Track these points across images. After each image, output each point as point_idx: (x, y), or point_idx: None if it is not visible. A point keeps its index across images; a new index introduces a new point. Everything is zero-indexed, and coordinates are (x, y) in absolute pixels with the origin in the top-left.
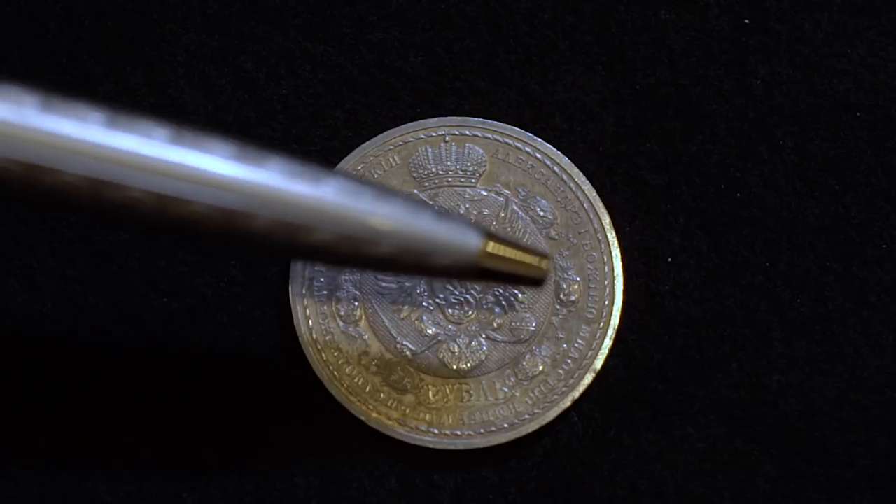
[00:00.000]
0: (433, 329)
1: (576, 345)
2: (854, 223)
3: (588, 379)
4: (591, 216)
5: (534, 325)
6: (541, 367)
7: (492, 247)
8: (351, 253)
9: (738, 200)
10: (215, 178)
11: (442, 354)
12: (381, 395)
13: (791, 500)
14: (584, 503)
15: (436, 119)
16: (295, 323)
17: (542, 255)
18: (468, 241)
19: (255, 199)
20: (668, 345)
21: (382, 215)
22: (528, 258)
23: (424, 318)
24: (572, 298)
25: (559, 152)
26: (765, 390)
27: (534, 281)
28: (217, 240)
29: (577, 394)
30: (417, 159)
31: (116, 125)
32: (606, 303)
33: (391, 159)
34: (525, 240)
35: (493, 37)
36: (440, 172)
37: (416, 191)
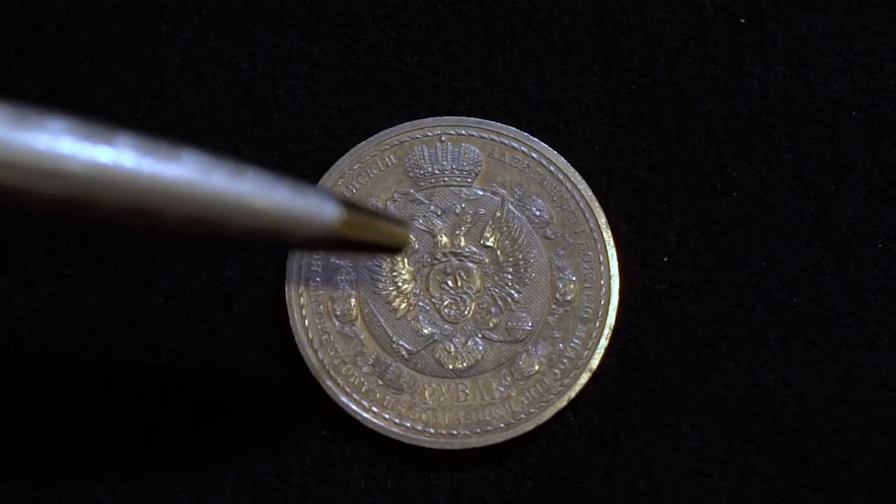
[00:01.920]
0: (429, 328)
1: (572, 344)
2: (850, 222)
3: (584, 378)
4: (588, 216)
5: (530, 324)
6: (537, 367)
7: (349, 217)
8: (199, 234)
9: (734, 200)
10: (52, 158)
11: (438, 354)
12: (378, 395)
13: (787, 500)
14: (580, 503)
15: (432, 119)
16: (291, 323)
17: (401, 223)
18: (325, 212)
19: (102, 182)
20: (665, 344)
21: (234, 193)
22: (387, 226)
23: (420, 317)
24: (568, 298)
25: (555, 152)
26: (761, 390)
27: (393, 249)
28: (63, 225)
29: (573, 393)
30: (413, 159)
31: None
32: (602, 302)
33: (387, 159)
34: (521, 240)
35: (488, 36)
36: (436, 172)
37: (412, 190)
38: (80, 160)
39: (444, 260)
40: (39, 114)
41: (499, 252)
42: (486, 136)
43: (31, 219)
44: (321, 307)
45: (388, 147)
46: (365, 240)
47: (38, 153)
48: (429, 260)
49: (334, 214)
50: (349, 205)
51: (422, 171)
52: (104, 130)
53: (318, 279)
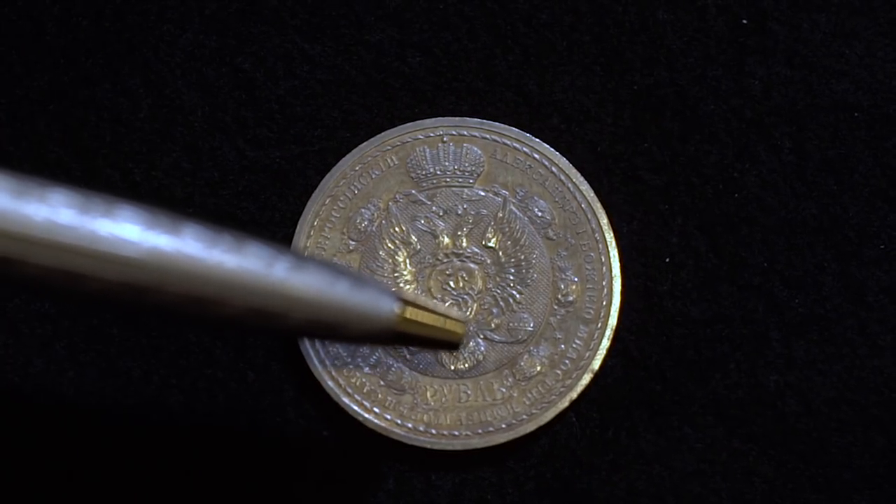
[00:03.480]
0: None
1: (574, 345)
2: (852, 223)
3: (586, 379)
4: (589, 216)
5: (532, 325)
6: (539, 368)
7: (408, 313)
8: (259, 325)
9: (736, 201)
10: (118, 246)
11: (440, 355)
12: (379, 396)
13: (789, 501)
14: (581, 503)
15: (434, 119)
16: None
17: (458, 320)
18: (383, 309)
19: (165, 271)
20: (666, 345)
21: (297, 286)
22: (444, 321)
23: None
24: (570, 299)
25: (557, 152)
26: (763, 390)
27: (450, 345)
28: (128, 310)
29: (574, 394)
30: (415, 160)
31: None
32: (604, 303)
33: (389, 160)
34: (523, 240)
35: (490, 37)
36: (438, 173)
37: (413, 191)
38: (144, 248)
39: (445, 261)
40: (107, 202)
41: (501, 253)
42: (487, 136)
43: (90, 303)
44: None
45: (389, 148)
46: (421, 335)
47: (103, 240)
48: (430, 261)
49: (393, 310)
50: (407, 302)
51: (424, 172)
52: (169, 220)
53: None
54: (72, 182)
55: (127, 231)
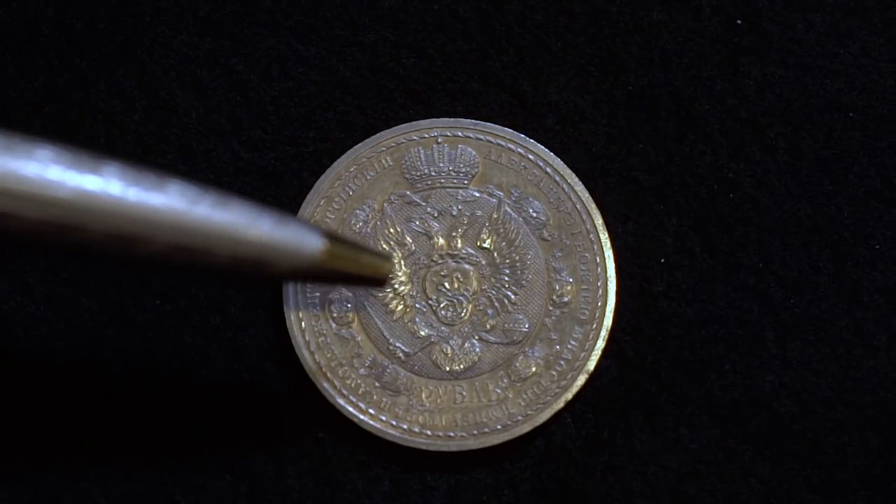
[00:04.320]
0: (426, 331)
1: (569, 346)
2: (847, 223)
3: (581, 380)
4: (584, 217)
5: (527, 326)
6: (534, 369)
7: (333, 249)
8: (184, 263)
9: (730, 201)
10: (44, 186)
11: (435, 356)
12: (374, 397)
13: (784, 501)
14: None
15: (428, 120)
16: (288, 325)
17: (384, 256)
18: (309, 243)
19: (88, 209)
20: (662, 346)
21: (219, 223)
22: (370, 258)
23: (417, 319)
24: (565, 300)
25: (552, 153)
26: (758, 391)
27: (377, 281)
28: (50, 250)
29: (570, 395)
30: (410, 161)
31: None
32: (599, 304)
33: (384, 161)
34: (517, 241)
35: (485, 38)
36: (433, 174)
37: (408, 192)
38: (69, 188)
39: (440, 262)
40: (29, 142)
41: (495, 254)
42: (482, 137)
43: (17, 242)
44: (318, 309)
45: (384, 149)
46: (348, 271)
47: (28, 180)
48: (425, 262)
49: (318, 245)
50: (333, 236)
51: (418, 173)
52: (92, 159)
53: None
54: None
55: (49, 171)
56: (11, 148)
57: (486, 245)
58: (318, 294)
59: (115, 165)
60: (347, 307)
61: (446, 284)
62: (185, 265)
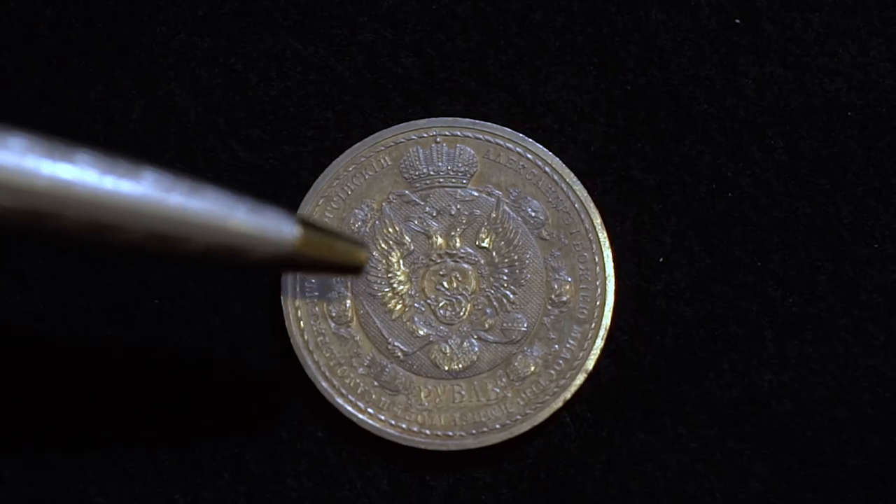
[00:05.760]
0: (425, 330)
1: (567, 345)
2: (845, 223)
3: (580, 379)
4: (583, 216)
5: (525, 325)
6: (532, 368)
7: (307, 236)
8: (159, 251)
9: (729, 200)
10: (19, 174)
11: (433, 355)
12: (373, 396)
13: (783, 500)
14: (575, 503)
15: (427, 120)
16: (286, 324)
17: (360, 243)
18: (283, 231)
19: (62, 198)
20: (660, 345)
21: (193, 211)
22: (346, 246)
23: (416, 318)
24: (564, 299)
25: (550, 153)
26: (756, 390)
27: (352, 269)
28: (25, 237)
29: (568, 394)
30: (408, 160)
31: None
32: (598, 303)
33: (382, 160)
34: (516, 241)
35: (483, 37)
36: (431, 173)
37: (407, 192)
38: (42, 176)
39: (439, 261)
40: (3, 131)
41: (494, 253)
42: (481, 136)
43: None
44: (317, 308)
45: (383, 148)
46: (323, 259)
47: (3, 168)
48: (424, 261)
49: (293, 233)
50: (307, 224)
51: (417, 173)
52: (65, 148)
53: (313, 280)
54: None
55: (24, 160)
56: None
57: (484, 244)
58: (317, 294)
59: (89, 153)
60: (346, 307)
61: (445, 284)
62: (159, 253)
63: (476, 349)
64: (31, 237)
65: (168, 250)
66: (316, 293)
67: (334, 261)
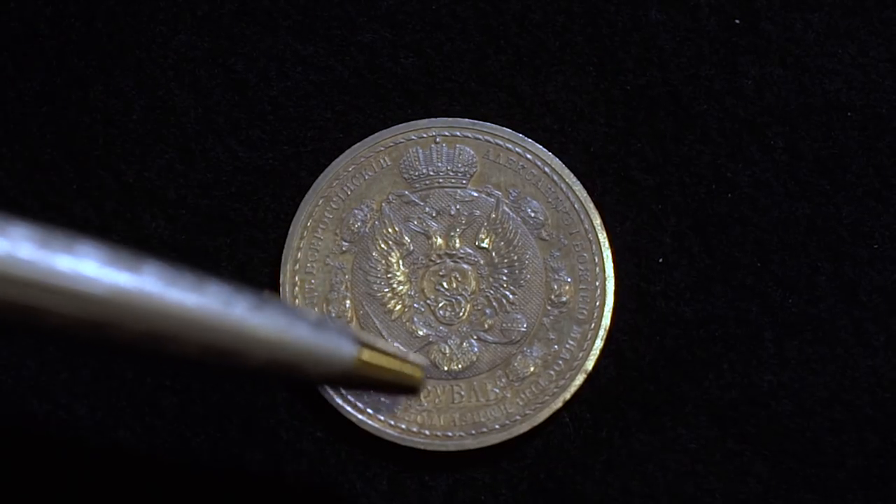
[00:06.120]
0: (424, 330)
1: (567, 346)
2: (845, 223)
3: (579, 380)
4: (582, 217)
5: (525, 326)
6: (532, 368)
7: (366, 356)
8: (219, 364)
9: (729, 200)
10: (82, 283)
11: (433, 355)
12: (372, 396)
13: (783, 501)
14: (575, 503)
15: (426, 120)
16: None
17: (418, 364)
18: (342, 351)
19: (124, 308)
20: (660, 345)
21: (256, 325)
22: (403, 366)
23: (415, 319)
24: (563, 299)
25: (550, 153)
26: (756, 391)
27: (410, 389)
28: (86, 347)
29: (568, 395)
30: (408, 160)
31: None
32: (597, 303)
33: (382, 160)
34: (516, 241)
35: (483, 38)
36: (431, 173)
37: (406, 192)
38: (105, 285)
39: (438, 261)
40: (68, 237)
41: (494, 253)
42: (480, 137)
43: (51, 336)
44: (316, 309)
45: (382, 148)
46: (381, 379)
47: (63, 275)
48: (424, 261)
49: (352, 353)
50: (366, 344)
51: (416, 173)
52: (131, 258)
53: (313, 281)
54: (64, 184)
55: (87, 267)
56: (50, 243)
57: (484, 245)
58: (316, 294)
59: (154, 265)
60: (346, 307)
61: (444, 284)
62: (219, 366)
63: (475, 349)
64: (90, 344)
65: (225, 364)
66: (316, 293)
67: (391, 380)
